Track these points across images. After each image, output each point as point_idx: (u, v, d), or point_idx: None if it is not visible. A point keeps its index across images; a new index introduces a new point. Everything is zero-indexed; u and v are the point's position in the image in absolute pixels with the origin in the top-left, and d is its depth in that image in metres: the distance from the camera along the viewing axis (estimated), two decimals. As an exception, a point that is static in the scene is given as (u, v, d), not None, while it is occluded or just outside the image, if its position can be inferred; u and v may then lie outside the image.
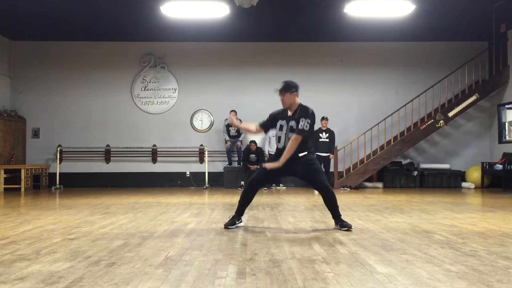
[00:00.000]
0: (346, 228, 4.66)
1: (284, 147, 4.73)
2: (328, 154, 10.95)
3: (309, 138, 4.77)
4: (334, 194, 4.83)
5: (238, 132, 11.80)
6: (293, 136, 4.66)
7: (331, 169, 11.38)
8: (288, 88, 4.78)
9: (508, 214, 6.07)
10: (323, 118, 11.02)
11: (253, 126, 5.12)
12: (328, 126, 11.16)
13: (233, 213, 5.02)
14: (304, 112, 4.71)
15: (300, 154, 4.70)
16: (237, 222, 4.91)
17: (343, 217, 4.84)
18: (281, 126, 4.81)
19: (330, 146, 10.99)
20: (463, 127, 12.34)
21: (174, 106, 12.39)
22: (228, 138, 11.83)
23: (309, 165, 4.73)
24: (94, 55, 12.38)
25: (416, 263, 3.23)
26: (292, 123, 4.73)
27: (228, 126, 11.84)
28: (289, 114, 4.80)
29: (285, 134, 4.75)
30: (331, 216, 4.89)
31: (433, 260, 3.31)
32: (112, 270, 3.04)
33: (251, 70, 12.23)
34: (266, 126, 5.02)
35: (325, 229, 4.81)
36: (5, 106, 11.82)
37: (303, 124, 4.64)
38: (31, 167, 11.28)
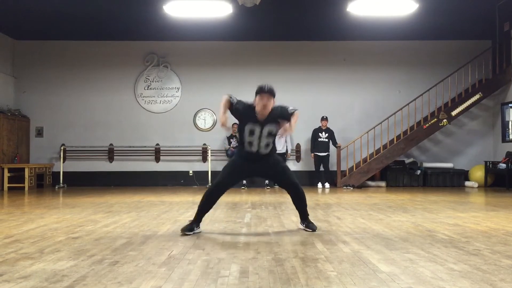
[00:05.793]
0: (311, 230, 4.57)
1: (258, 151, 4.40)
2: (327, 153, 11.20)
3: (275, 139, 4.53)
4: (304, 193, 4.71)
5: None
6: (296, 112, 4.42)
7: (334, 168, 11.39)
8: (274, 94, 4.35)
9: (512, 213, 6.06)
10: (323, 119, 11.31)
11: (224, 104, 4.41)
12: (330, 125, 11.25)
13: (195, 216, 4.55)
14: (282, 107, 4.46)
15: (276, 151, 4.52)
16: (195, 229, 4.44)
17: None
18: (252, 131, 4.36)
19: (329, 145, 11.21)
20: (466, 126, 12.30)
21: (177, 105, 12.39)
22: (228, 147, 11.60)
23: (278, 164, 4.60)
24: (97, 55, 12.39)
25: (419, 262, 3.23)
26: (271, 127, 4.36)
27: (229, 138, 11.66)
28: (259, 118, 4.34)
29: (259, 139, 4.37)
30: (333, 216, 4.88)
31: (436, 259, 3.31)
32: (116, 269, 3.05)
33: (254, 69, 12.19)
34: (235, 110, 4.44)
35: (328, 228, 4.81)
36: (9, 105, 11.84)
37: (291, 108, 4.46)
38: (34, 166, 11.31)
